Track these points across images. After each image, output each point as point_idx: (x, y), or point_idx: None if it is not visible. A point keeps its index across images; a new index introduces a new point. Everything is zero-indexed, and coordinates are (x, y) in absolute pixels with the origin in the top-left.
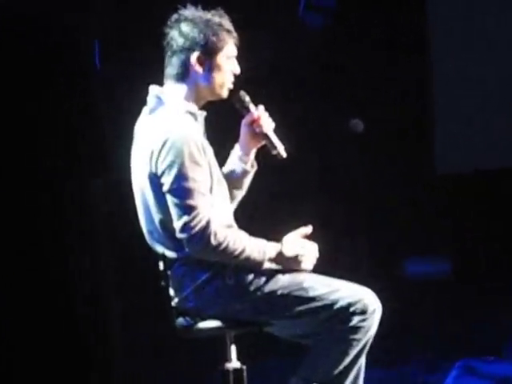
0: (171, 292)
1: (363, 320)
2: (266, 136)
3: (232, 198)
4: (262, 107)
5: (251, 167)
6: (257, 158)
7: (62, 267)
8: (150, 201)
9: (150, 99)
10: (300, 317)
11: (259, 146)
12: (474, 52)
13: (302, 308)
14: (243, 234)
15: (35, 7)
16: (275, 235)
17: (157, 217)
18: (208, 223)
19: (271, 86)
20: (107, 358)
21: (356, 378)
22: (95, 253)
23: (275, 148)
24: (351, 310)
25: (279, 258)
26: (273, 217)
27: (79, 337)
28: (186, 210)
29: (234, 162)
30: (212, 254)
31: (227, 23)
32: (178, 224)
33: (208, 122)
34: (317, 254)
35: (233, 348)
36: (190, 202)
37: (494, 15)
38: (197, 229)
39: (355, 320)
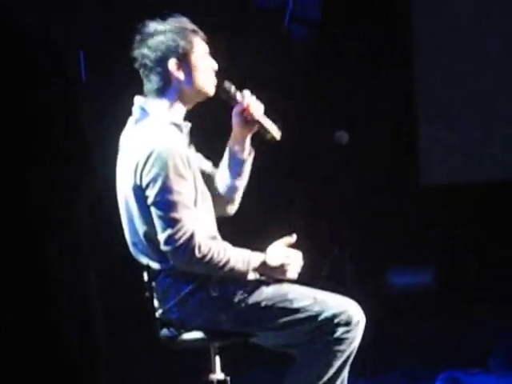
0: (155, 303)
1: (347, 331)
2: (258, 122)
3: (235, 188)
4: (248, 93)
5: (248, 155)
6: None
7: (45, 271)
8: (134, 213)
9: (135, 110)
10: (284, 328)
11: (253, 132)
12: (459, 64)
13: (286, 319)
14: (227, 246)
15: (20, 14)
16: (260, 246)
17: (141, 229)
18: (192, 235)
19: (257, 97)
20: (91, 368)
21: None
22: (80, 265)
23: (269, 132)
24: (335, 321)
25: (263, 267)
26: (258, 228)
27: (63, 343)
28: (170, 222)
29: (231, 153)
30: (196, 265)
31: (189, 24)
32: (162, 236)
33: (198, 124)
34: (301, 263)
35: (217, 359)
36: (175, 214)
37: (480, 27)
38: (181, 241)
39: (339, 331)
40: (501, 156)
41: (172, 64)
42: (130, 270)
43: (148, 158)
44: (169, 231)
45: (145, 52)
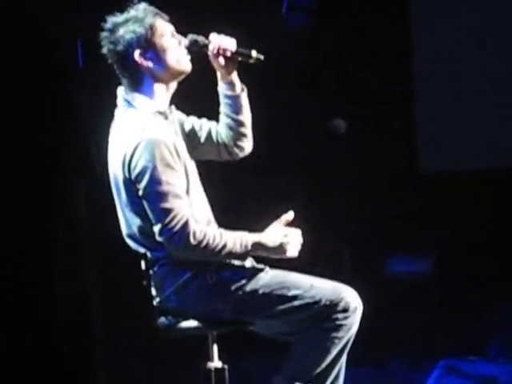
0: (153, 291)
1: (345, 318)
2: (236, 53)
3: (240, 123)
4: (213, 34)
5: (241, 90)
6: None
7: (44, 269)
8: (127, 205)
9: (119, 102)
10: (282, 315)
11: (236, 66)
12: (458, 50)
13: (283, 307)
14: (223, 230)
15: (19, 6)
16: (256, 230)
17: (134, 220)
18: (186, 223)
19: (254, 84)
20: (89, 359)
21: (337, 376)
22: (78, 252)
23: (250, 57)
24: (333, 308)
25: (262, 248)
26: (254, 214)
27: (61, 338)
28: (163, 213)
29: (223, 92)
30: (193, 253)
31: (148, 9)
32: (156, 228)
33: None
34: (301, 240)
35: (215, 347)
36: (166, 205)
37: (479, 13)
38: (175, 230)
39: (337, 318)
40: (501, 143)
41: (137, 55)
42: (127, 258)
43: (134, 150)
44: (162, 222)
45: (110, 48)
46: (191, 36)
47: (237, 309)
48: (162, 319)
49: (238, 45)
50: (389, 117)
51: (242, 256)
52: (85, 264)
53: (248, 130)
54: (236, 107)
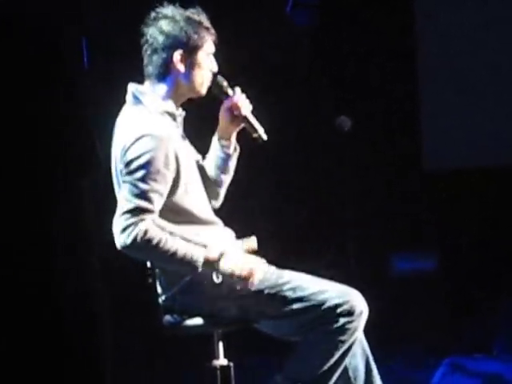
0: (158, 289)
1: (350, 322)
2: (245, 118)
3: (220, 182)
4: (238, 90)
5: (234, 150)
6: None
7: (48, 266)
8: None
9: (129, 98)
10: (286, 317)
11: (238, 129)
12: (462, 46)
13: (288, 308)
14: (180, 241)
15: (23, 6)
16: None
17: None
18: (142, 221)
19: (258, 82)
20: (95, 359)
21: (339, 378)
22: (83, 251)
23: (255, 131)
24: (338, 311)
25: (213, 269)
26: (258, 212)
27: (66, 335)
28: (127, 204)
29: (217, 148)
30: (141, 252)
31: (206, 21)
32: (117, 213)
33: (187, 119)
34: (259, 276)
35: (220, 345)
36: (134, 199)
37: (483, 9)
38: (131, 222)
39: (342, 321)
40: (505, 140)
41: (177, 55)
42: (132, 262)
43: (135, 141)
44: (123, 211)
45: (155, 33)
46: (221, 78)
47: (241, 309)
48: (168, 317)
49: (252, 111)
50: (393, 114)
51: (189, 269)
52: (86, 264)
53: (223, 190)
54: (222, 165)
